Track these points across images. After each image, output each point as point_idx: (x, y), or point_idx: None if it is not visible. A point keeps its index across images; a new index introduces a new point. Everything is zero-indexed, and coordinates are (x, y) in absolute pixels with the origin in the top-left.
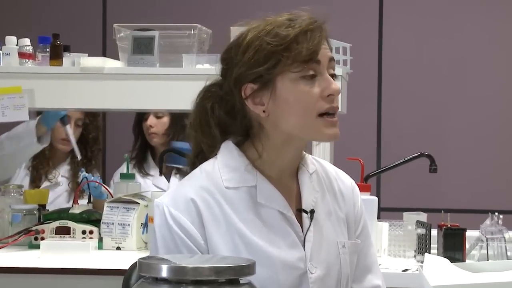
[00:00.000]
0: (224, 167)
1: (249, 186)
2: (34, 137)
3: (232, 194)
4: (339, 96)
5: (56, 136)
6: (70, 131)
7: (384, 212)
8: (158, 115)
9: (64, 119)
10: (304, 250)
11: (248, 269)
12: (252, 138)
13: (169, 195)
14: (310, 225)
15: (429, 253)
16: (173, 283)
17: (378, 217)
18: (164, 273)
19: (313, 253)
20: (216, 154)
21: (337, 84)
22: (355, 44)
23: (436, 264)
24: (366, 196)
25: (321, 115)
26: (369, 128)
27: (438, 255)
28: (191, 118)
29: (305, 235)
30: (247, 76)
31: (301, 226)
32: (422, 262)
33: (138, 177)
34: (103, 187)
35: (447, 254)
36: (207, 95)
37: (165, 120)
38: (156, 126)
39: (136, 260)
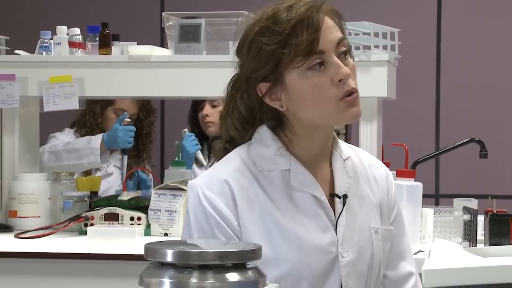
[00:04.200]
0: (258, 150)
1: (282, 169)
2: (98, 157)
3: (266, 177)
4: (386, 81)
5: (107, 126)
6: (125, 162)
7: (443, 198)
8: (213, 103)
9: (125, 150)
10: (336, 234)
11: (253, 253)
12: (282, 126)
13: (203, 177)
14: (342, 209)
15: (476, 239)
16: (179, 267)
17: (437, 203)
18: (169, 258)
19: (345, 237)
20: (248, 139)
21: (346, 68)
22: (413, 29)
23: (444, 249)
24: (411, 182)
25: (339, 100)
26: (428, 113)
27: (484, 241)
28: (222, 110)
29: (337, 219)
30: (257, 77)
31: (334, 210)
32: (468, 246)
33: (195, 167)
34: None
35: (493, 241)
36: (236, 85)
37: (221, 108)
38: (212, 115)
39: None
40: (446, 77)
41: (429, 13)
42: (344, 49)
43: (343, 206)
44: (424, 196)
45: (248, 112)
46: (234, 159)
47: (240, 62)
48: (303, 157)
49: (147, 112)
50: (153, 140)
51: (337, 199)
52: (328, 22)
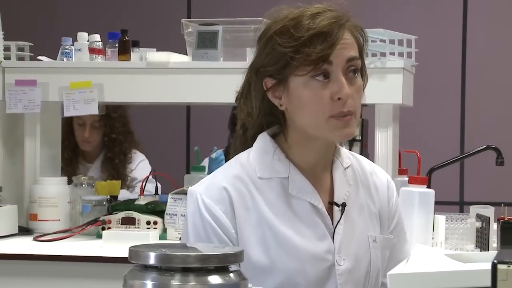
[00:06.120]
0: (258, 158)
1: (281, 177)
2: None
3: (265, 185)
4: (401, 88)
5: (78, 137)
6: None
7: (468, 206)
8: None
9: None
10: (333, 242)
11: (234, 257)
12: (284, 131)
13: (203, 184)
14: (340, 218)
15: (488, 247)
16: (162, 270)
17: (461, 211)
18: (151, 261)
19: (342, 245)
20: (252, 133)
21: (347, 88)
22: (439, 36)
23: (424, 254)
24: (423, 189)
25: (332, 116)
26: (453, 120)
27: (497, 249)
28: (238, 93)
29: (335, 227)
30: (265, 71)
31: (332, 219)
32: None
33: None
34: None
35: (504, 248)
36: (255, 73)
37: None
38: None
39: None
40: (471, 84)
41: (455, 20)
42: (353, 67)
43: (342, 214)
44: (448, 203)
45: (259, 100)
46: (234, 166)
47: (257, 52)
48: (303, 165)
49: (107, 118)
50: (129, 133)
51: (335, 207)
52: (347, 39)
